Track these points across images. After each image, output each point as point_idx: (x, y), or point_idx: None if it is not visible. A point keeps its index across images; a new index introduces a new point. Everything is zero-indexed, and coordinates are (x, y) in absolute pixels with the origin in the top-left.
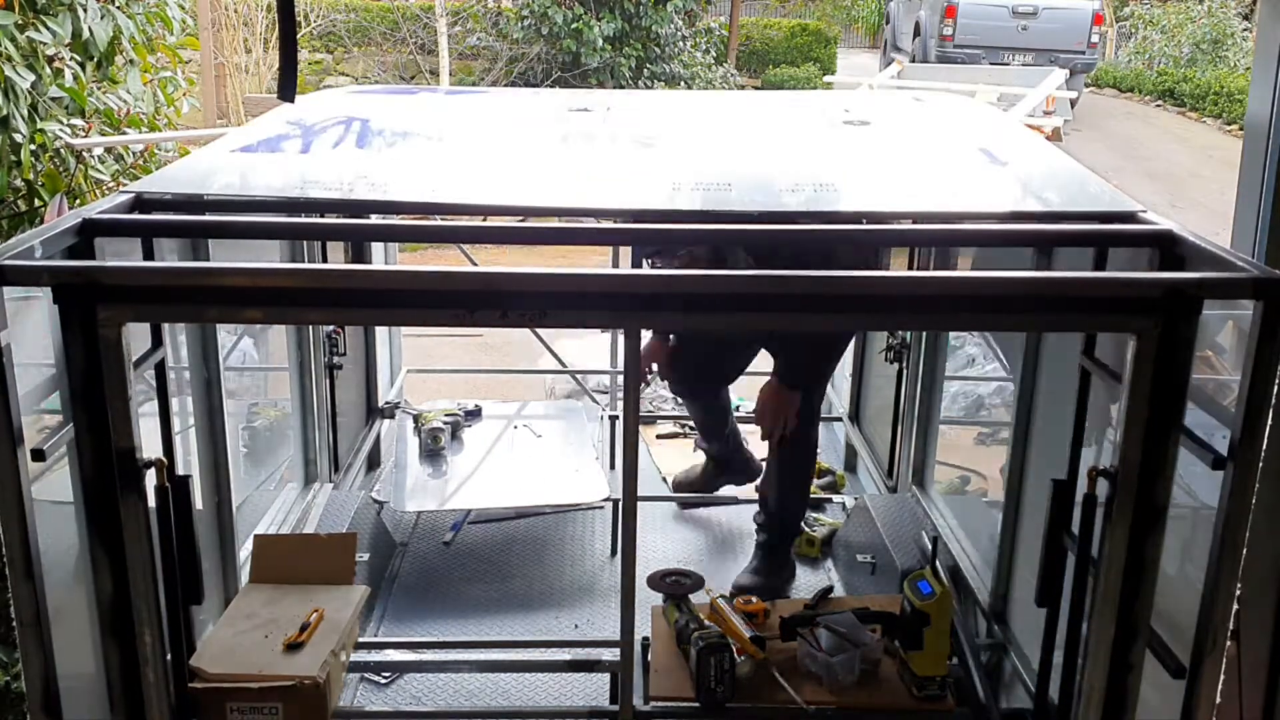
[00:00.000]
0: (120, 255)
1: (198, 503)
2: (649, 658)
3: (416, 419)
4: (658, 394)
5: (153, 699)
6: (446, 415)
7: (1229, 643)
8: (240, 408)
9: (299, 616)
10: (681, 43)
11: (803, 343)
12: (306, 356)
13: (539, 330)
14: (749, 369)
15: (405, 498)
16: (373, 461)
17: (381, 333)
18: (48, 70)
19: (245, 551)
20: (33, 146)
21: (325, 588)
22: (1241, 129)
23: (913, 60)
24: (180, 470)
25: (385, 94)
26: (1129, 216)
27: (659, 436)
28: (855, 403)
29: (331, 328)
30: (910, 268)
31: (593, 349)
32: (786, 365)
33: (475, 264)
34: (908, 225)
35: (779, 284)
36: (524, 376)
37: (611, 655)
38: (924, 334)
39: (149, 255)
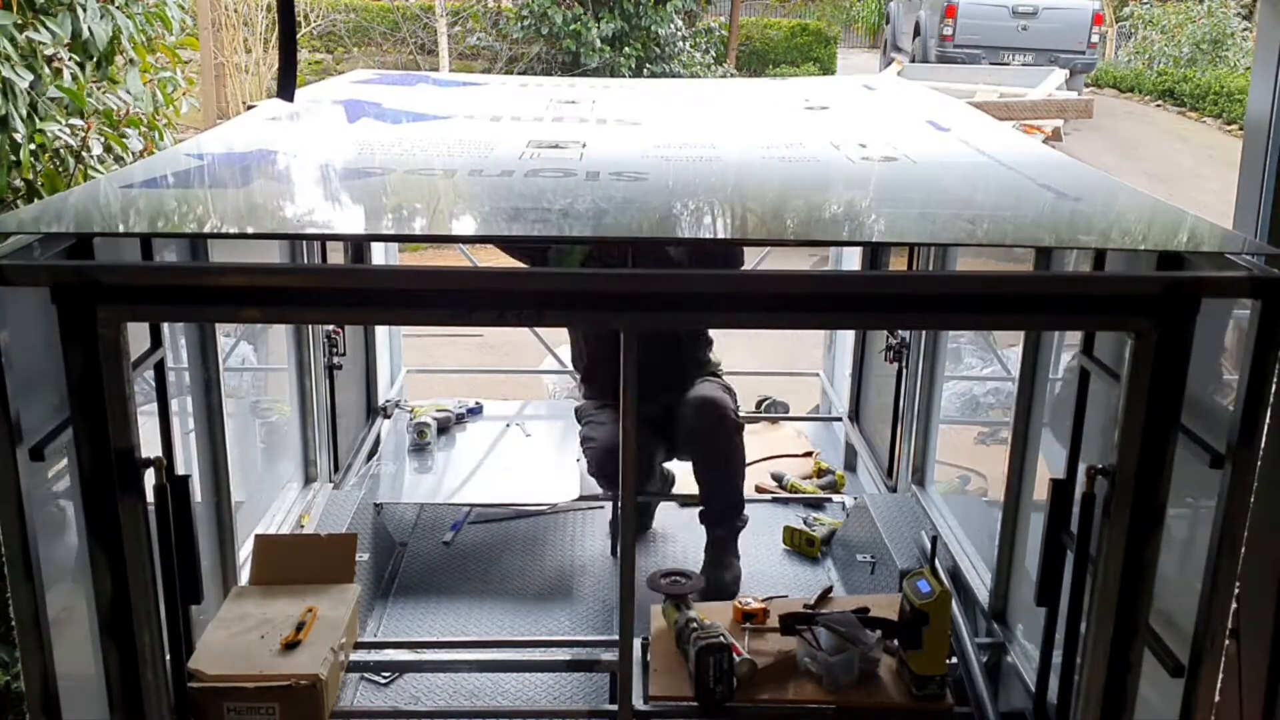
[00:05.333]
0: (119, 255)
1: (197, 500)
2: (648, 658)
3: (411, 414)
4: None
5: (151, 699)
6: (438, 410)
7: (1228, 642)
8: (240, 408)
9: (293, 616)
10: (681, 43)
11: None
12: (306, 357)
13: (539, 331)
14: (740, 370)
15: (376, 489)
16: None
17: (381, 333)
18: (47, 70)
19: (245, 551)
20: (32, 146)
21: (315, 587)
22: (1241, 129)
23: (913, 60)
24: (180, 470)
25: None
26: None
27: None
28: (855, 402)
29: (331, 328)
30: (910, 268)
31: None
32: None
33: (475, 264)
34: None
35: (778, 284)
36: (530, 378)
37: (611, 655)
38: (924, 334)
39: (148, 255)
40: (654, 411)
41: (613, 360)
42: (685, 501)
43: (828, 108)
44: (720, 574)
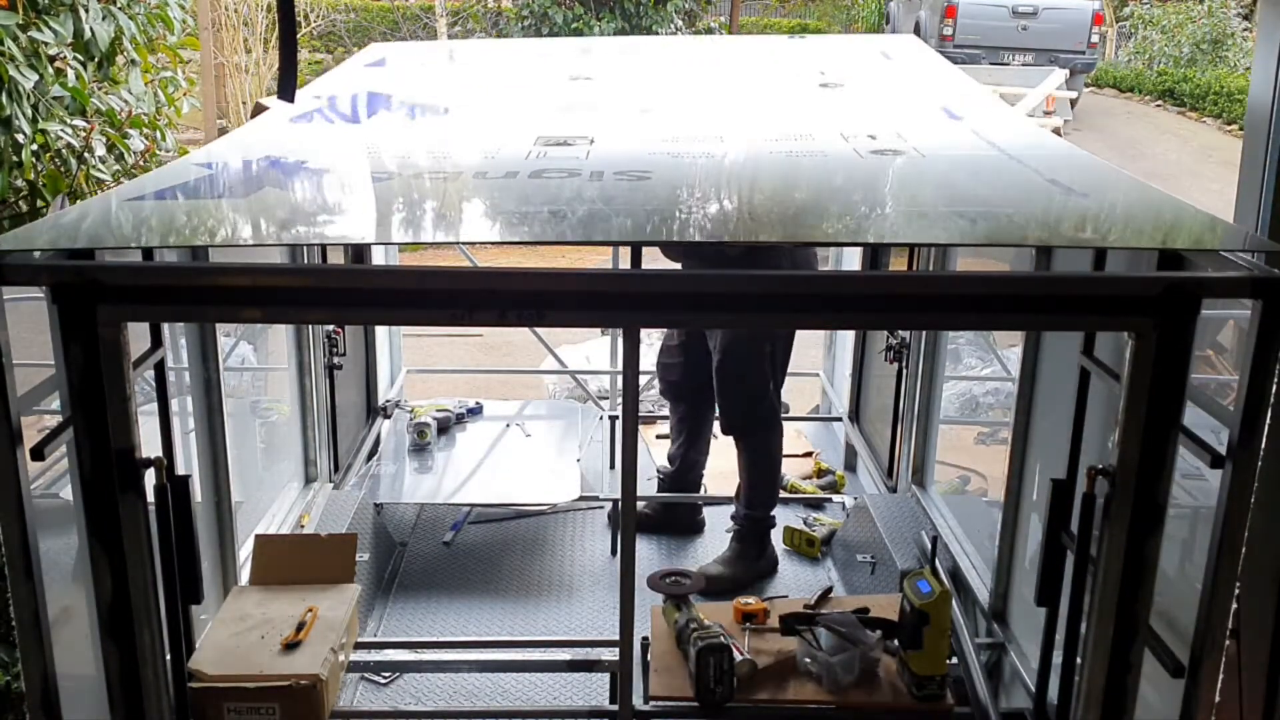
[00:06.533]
0: (120, 255)
1: (197, 500)
2: (649, 658)
3: (411, 414)
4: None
5: (152, 699)
6: (438, 410)
7: (1229, 642)
8: (240, 408)
9: (293, 616)
10: None
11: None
12: (306, 356)
13: (539, 331)
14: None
15: (376, 489)
16: None
17: (381, 333)
18: (50, 70)
19: (245, 551)
20: (34, 147)
21: (315, 587)
22: (1241, 129)
23: None
24: (180, 470)
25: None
26: None
27: (659, 436)
28: (855, 403)
29: (331, 328)
30: (910, 268)
31: (596, 357)
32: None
33: (475, 264)
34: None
35: (779, 284)
36: (530, 377)
37: (611, 655)
38: (924, 334)
39: (149, 256)
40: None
41: None
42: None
43: (842, 85)
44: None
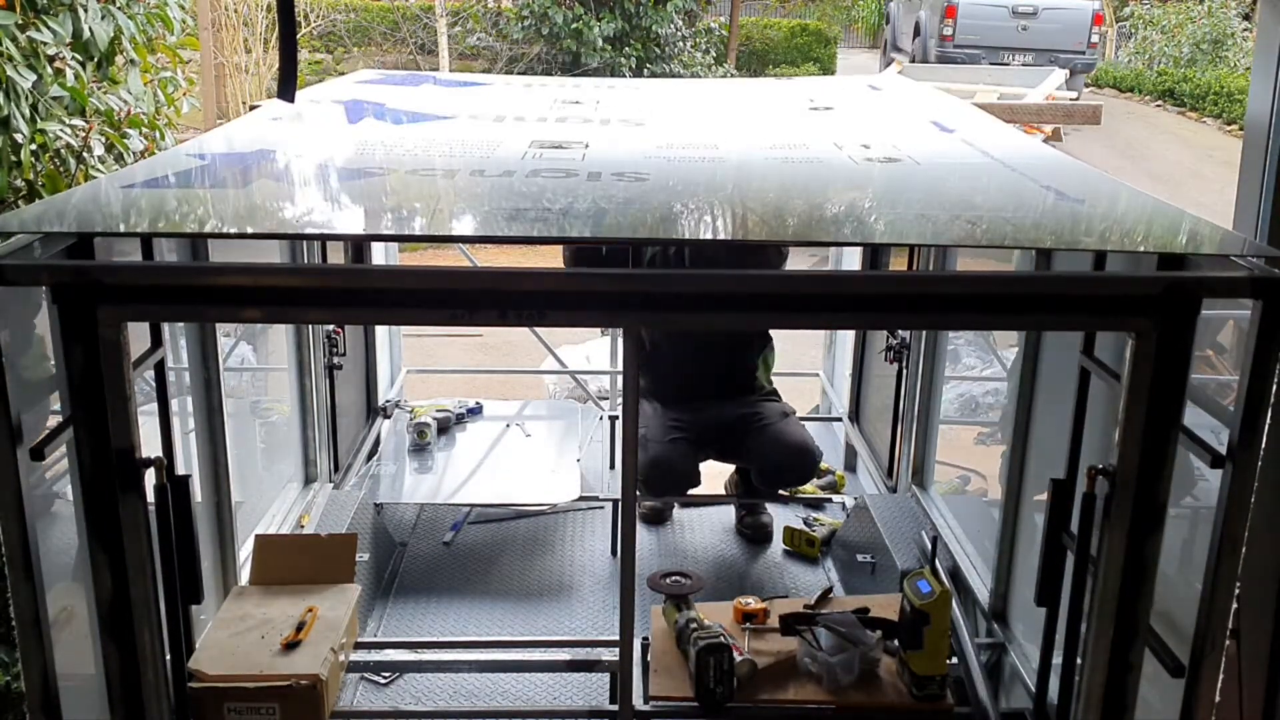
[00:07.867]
0: (120, 255)
1: (197, 500)
2: (649, 658)
3: (411, 414)
4: None
5: (152, 699)
6: (438, 410)
7: (1229, 641)
8: (240, 408)
9: (293, 616)
10: (681, 43)
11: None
12: (306, 356)
13: (539, 331)
14: None
15: (376, 489)
16: None
17: (381, 333)
18: (48, 70)
19: (245, 551)
20: (33, 146)
21: (315, 587)
22: (1241, 129)
23: (913, 60)
24: (180, 470)
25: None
26: None
27: None
28: (855, 403)
29: (331, 328)
30: (910, 268)
31: (596, 357)
32: None
33: (475, 263)
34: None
35: (779, 284)
36: (530, 377)
37: (611, 655)
38: (924, 334)
39: (148, 255)
40: (705, 421)
41: (670, 360)
42: (683, 502)
43: (832, 108)
44: (760, 518)
